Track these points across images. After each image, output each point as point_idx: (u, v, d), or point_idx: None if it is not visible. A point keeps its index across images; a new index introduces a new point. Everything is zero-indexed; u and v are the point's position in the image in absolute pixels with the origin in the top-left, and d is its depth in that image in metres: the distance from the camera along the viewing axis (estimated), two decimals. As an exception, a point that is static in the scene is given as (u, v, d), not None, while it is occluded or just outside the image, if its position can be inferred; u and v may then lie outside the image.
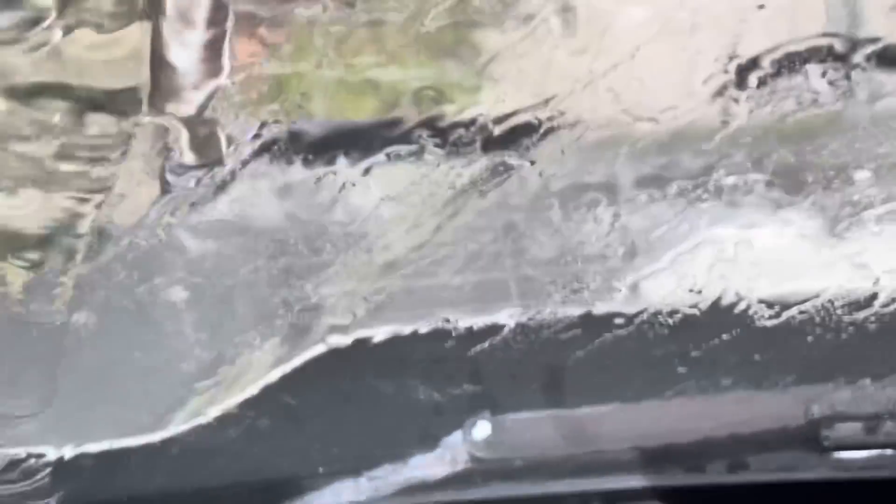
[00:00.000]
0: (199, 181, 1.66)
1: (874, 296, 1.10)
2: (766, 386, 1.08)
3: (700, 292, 1.14)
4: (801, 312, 1.08)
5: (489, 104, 2.17)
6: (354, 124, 1.72)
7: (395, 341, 1.12)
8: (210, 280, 1.40)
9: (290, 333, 1.21)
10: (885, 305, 1.10)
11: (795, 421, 1.10)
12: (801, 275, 1.13)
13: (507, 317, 1.12)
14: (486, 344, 1.10)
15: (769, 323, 1.09)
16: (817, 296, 1.09)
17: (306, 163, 1.64)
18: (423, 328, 1.13)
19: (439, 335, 1.11)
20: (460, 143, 1.64)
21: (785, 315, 1.09)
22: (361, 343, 1.11)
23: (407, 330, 1.13)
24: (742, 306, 1.11)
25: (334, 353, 1.12)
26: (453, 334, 1.11)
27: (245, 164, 1.65)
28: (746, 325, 1.09)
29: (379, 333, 1.13)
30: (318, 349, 1.13)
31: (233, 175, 1.65)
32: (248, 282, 1.34)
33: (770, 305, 1.10)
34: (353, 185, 1.47)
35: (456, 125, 1.77)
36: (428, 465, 1.13)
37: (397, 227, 1.35)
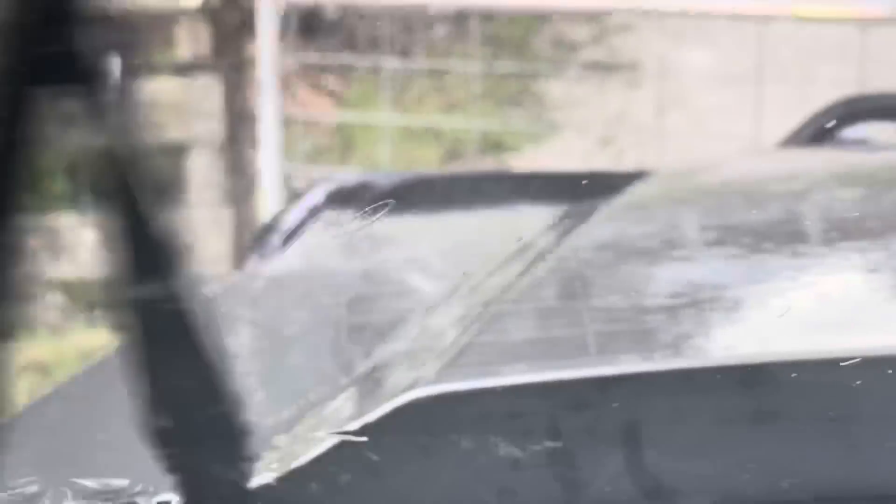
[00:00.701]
0: (269, 233, 1.69)
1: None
2: (846, 442, 1.08)
3: (772, 346, 1.14)
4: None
5: (553, 153, 2.16)
6: (423, 176, 1.74)
7: (472, 395, 1.13)
8: (284, 333, 1.41)
9: (367, 387, 1.22)
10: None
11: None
12: (879, 328, 1.13)
13: (583, 372, 1.12)
14: (564, 399, 1.11)
15: (842, 377, 1.09)
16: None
17: (374, 216, 1.65)
18: (501, 382, 1.14)
19: (517, 390, 1.12)
20: (526, 195, 1.66)
21: (856, 368, 1.09)
22: (439, 398, 1.12)
23: (485, 384, 1.14)
24: (814, 360, 1.11)
25: (412, 408, 1.13)
26: (531, 389, 1.12)
27: (314, 216, 1.68)
28: (820, 381, 1.09)
29: (457, 387, 1.14)
30: (396, 403, 1.14)
31: (302, 227, 1.68)
32: (324, 334, 1.36)
33: (842, 360, 1.10)
34: (425, 239, 1.49)
35: (522, 177, 1.79)
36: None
37: (468, 283, 1.36)
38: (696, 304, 1.22)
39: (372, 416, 1.13)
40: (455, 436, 1.10)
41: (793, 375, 1.06)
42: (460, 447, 1.10)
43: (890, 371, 1.03)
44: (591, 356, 1.17)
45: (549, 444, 1.10)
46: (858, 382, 1.02)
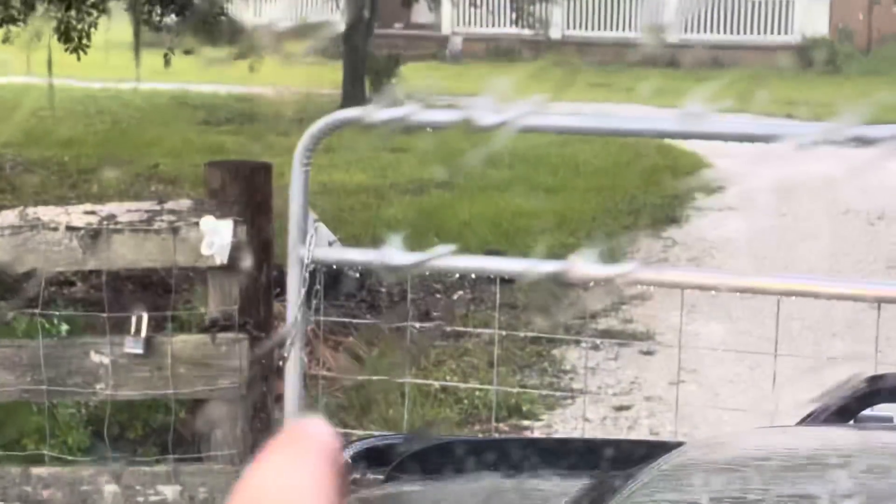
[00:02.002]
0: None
1: None
2: None
3: None
4: None
5: (569, 419, 2.17)
6: (449, 441, 1.76)
7: None
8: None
9: None
10: None
11: None
12: None
13: None
14: None
15: None
16: None
17: (396, 478, 1.67)
18: None
19: None
20: (554, 462, 1.68)
21: None
22: None
23: None
24: None
25: None
26: None
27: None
28: None
29: None
30: None
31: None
32: None
33: None
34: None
35: (549, 443, 1.80)
36: None
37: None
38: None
39: None
40: None
41: None
42: None
43: None
44: None
45: None
46: None
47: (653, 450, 1.48)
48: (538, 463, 1.59)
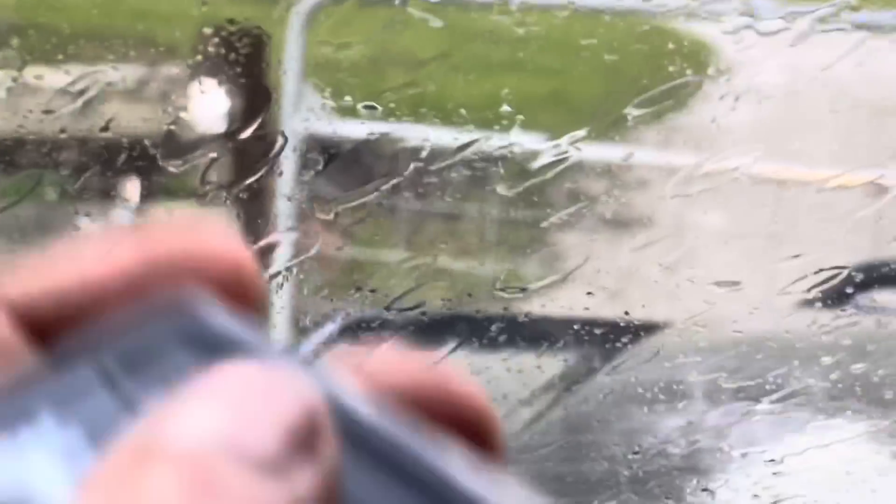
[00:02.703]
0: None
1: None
2: None
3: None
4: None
5: (561, 303, 2.17)
6: (438, 315, 1.74)
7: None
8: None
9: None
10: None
11: None
12: (871, 492, 1.12)
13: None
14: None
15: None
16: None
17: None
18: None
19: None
20: (541, 338, 1.66)
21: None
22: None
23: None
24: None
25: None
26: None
27: (328, 347, 1.68)
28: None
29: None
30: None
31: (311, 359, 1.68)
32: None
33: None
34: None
35: (534, 321, 1.78)
36: None
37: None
38: (696, 455, 1.22)
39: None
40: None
41: None
42: None
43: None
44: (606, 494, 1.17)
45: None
46: None
47: (640, 330, 1.47)
48: (524, 339, 1.58)
